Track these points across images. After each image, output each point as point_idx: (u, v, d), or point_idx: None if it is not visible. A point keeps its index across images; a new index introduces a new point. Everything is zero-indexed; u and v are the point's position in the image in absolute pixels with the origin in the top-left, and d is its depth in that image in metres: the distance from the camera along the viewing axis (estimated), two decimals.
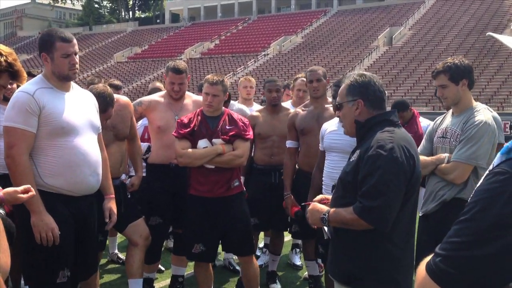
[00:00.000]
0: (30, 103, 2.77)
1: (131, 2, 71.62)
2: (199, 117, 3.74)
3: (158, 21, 66.40)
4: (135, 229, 3.82)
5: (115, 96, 4.02)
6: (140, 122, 4.62)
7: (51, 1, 66.13)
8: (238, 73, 37.06)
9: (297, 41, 43.25)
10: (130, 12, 71.74)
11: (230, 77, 35.00)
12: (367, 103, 2.38)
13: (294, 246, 5.39)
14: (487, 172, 1.12)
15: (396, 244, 2.29)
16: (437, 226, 3.11)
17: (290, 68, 36.05)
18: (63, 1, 66.32)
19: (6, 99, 3.16)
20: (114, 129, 3.79)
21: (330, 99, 4.03)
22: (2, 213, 2.35)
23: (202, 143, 3.65)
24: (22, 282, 3.62)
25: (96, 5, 72.52)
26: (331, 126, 3.65)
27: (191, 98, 4.28)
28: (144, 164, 4.31)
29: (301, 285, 4.80)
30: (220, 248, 4.03)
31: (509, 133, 20.17)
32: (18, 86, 2.96)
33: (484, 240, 1.04)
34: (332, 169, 3.52)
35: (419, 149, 3.11)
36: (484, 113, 3.09)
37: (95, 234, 3.24)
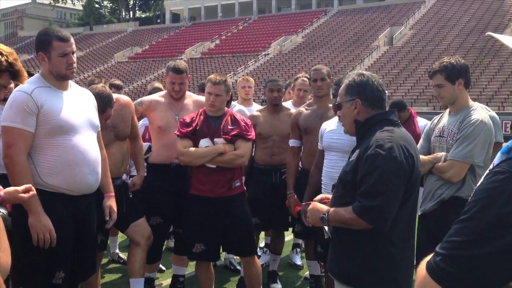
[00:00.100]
0: (28, 102, 2.76)
1: (131, 2, 71.60)
2: (202, 117, 3.74)
3: (158, 21, 66.40)
4: (137, 229, 3.82)
5: (116, 95, 4.02)
6: (141, 122, 4.62)
7: (52, 1, 66.10)
8: (238, 73, 37.05)
9: (298, 41, 43.24)
10: (131, 12, 71.73)
11: (231, 77, 34.96)
12: (365, 103, 2.39)
13: (295, 245, 5.39)
14: (487, 171, 1.12)
15: (396, 244, 2.29)
16: (435, 225, 3.13)
17: (290, 68, 36.03)
18: (64, 1, 66.28)
19: (4, 99, 3.15)
20: (115, 129, 3.78)
21: None
22: (4, 213, 2.35)
23: (204, 142, 3.65)
24: None
25: (97, 5, 72.51)
26: (331, 125, 3.65)
27: (192, 98, 4.28)
28: (145, 164, 4.31)
29: (302, 285, 4.80)
30: (221, 248, 4.03)
31: (509, 133, 20.16)
32: (16, 86, 2.94)
33: (484, 240, 1.04)
34: (331, 168, 3.53)
35: None
36: (480, 112, 3.12)
37: (95, 234, 3.22)
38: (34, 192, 2.38)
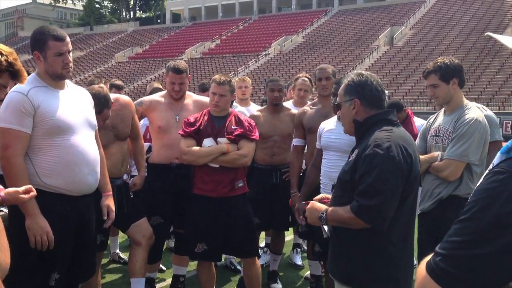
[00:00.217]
0: (24, 103, 2.72)
1: (132, 2, 71.60)
2: (206, 117, 3.75)
3: (159, 21, 66.40)
4: (137, 229, 3.81)
5: (116, 95, 4.02)
6: (141, 122, 4.62)
7: (52, 1, 66.11)
8: (239, 73, 37.04)
9: (298, 41, 43.23)
10: (131, 12, 71.73)
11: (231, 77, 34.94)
12: (364, 102, 2.39)
13: (295, 245, 5.39)
14: (486, 171, 1.12)
15: (395, 243, 2.30)
16: (434, 224, 3.16)
17: (291, 68, 36.02)
18: (64, 1, 66.30)
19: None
20: (114, 129, 3.77)
21: None
22: (5, 211, 2.35)
23: (207, 142, 3.65)
24: None
25: (97, 5, 72.52)
26: (329, 124, 3.65)
27: (192, 98, 4.28)
28: (145, 164, 4.31)
29: (302, 285, 4.80)
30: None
31: (510, 132, 20.15)
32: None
33: (483, 240, 1.04)
34: (330, 168, 3.53)
35: None
36: (475, 111, 3.16)
37: (94, 235, 3.20)
38: (34, 193, 2.36)
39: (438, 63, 3.23)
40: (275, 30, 46.59)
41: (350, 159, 2.39)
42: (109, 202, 3.26)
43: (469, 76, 27.39)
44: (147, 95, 4.74)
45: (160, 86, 5.65)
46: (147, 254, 3.86)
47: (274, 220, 4.51)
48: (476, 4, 40.19)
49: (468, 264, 1.05)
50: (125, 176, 3.99)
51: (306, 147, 4.24)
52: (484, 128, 3.10)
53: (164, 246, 4.83)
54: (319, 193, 3.35)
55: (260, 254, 5.27)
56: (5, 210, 2.38)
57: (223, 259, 5.19)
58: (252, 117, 4.44)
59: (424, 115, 5.82)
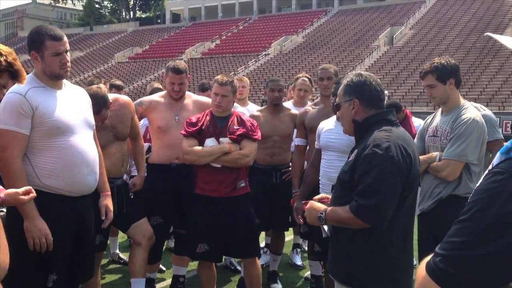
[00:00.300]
0: (23, 104, 2.70)
1: (131, 2, 71.62)
2: (208, 117, 3.75)
3: (159, 21, 66.40)
4: (138, 229, 3.81)
5: (115, 95, 4.01)
6: (142, 122, 4.62)
7: (52, 1, 66.14)
8: (239, 73, 37.02)
9: (298, 41, 43.23)
10: (131, 12, 71.73)
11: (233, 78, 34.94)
12: (363, 103, 2.39)
13: (295, 246, 5.39)
14: (486, 171, 1.12)
15: (394, 243, 2.30)
16: (434, 223, 3.17)
17: (291, 68, 36.03)
18: (64, 1, 66.32)
19: None
20: (114, 129, 3.76)
21: None
22: (4, 211, 2.35)
23: (209, 141, 3.65)
24: None
25: (97, 5, 72.51)
26: (328, 124, 3.65)
27: (191, 98, 4.28)
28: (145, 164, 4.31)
29: (302, 285, 4.80)
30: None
31: (510, 132, 20.15)
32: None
33: (483, 240, 1.04)
34: (329, 168, 3.53)
35: None
36: (472, 111, 3.18)
37: (93, 236, 3.18)
38: (34, 194, 2.34)
39: (435, 64, 3.26)
40: (275, 30, 46.59)
41: (349, 159, 2.39)
42: (107, 202, 3.25)
43: (469, 76, 27.40)
44: (147, 95, 4.74)
45: (161, 86, 5.65)
46: (147, 255, 3.86)
47: (274, 220, 4.51)
48: (476, 4, 40.19)
49: (468, 264, 1.05)
50: (125, 176, 3.98)
51: (308, 146, 4.24)
52: (481, 128, 3.13)
53: (164, 247, 4.83)
54: (318, 192, 3.35)
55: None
56: (4, 210, 2.37)
57: (223, 259, 5.20)
58: (252, 117, 4.44)
59: (424, 115, 5.82)
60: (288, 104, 5.00)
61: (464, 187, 3.12)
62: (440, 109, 3.38)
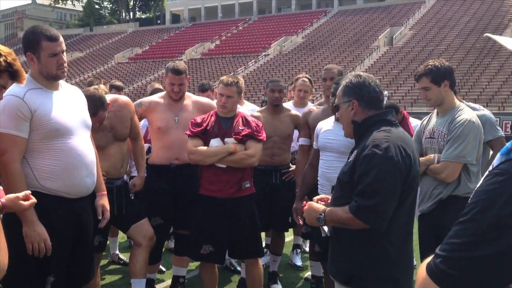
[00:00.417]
0: (21, 107, 2.67)
1: (131, 3, 71.65)
2: (213, 118, 3.75)
3: (158, 21, 66.44)
4: (138, 230, 3.80)
5: (114, 96, 4.01)
6: (142, 122, 4.62)
7: (52, 2, 66.18)
8: (239, 73, 37.06)
9: (298, 42, 43.26)
10: (131, 13, 71.78)
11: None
12: (362, 104, 2.40)
13: (295, 246, 5.39)
14: (486, 172, 1.12)
15: (394, 244, 2.30)
16: (434, 224, 3.19)
17: (290, 68, 36.06)
18: (64, 2, 66.36)
19: None
20: (113, 130, 3.74)
21: None
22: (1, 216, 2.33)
23: (214, 142, 3.65)
24: None
25: (97, 6, 72.56)
26: (326, 125, 3.65)
27: (191, 98, 4.28)
28: (145, 164, 4.30)
29: (302, 286, 4.79)
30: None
31: (510, 133, 20.15)
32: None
33: (483, 241, 1.04)
34: (327, 168, 3.53)
35: None
36: (467, 112, 3.21)
37: (91, 237, 3.16)
38: (34, 200, 2.30)
39: (429, 66, 3.28)
40: (275, 31, 46.63)
41: (349, 160, 2.39)
42: (104, 201, 3.22)
43: (469, 77, 27.42)
44: (147, 96, 4.74)
45: (161, 87, 5.65)
46: (148, 255, 3.85)
47: (273, 221, 4.51)
48: (476, 5, 40.22)
49: (468, 265, 1.05)
50: (125, 177, 3.98)
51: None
52: (478, 128, 3.15)
53: (164, 247, 4.83)
54: (316, 192, 3.35)
55: None
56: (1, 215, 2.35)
57: None
58: (252, 117, 4.44)
59: (423, 116, 5.81)
60: (288, 104, 5.00)
61: (464, 187, 3.14)
62: (435, 110, 3.40)
